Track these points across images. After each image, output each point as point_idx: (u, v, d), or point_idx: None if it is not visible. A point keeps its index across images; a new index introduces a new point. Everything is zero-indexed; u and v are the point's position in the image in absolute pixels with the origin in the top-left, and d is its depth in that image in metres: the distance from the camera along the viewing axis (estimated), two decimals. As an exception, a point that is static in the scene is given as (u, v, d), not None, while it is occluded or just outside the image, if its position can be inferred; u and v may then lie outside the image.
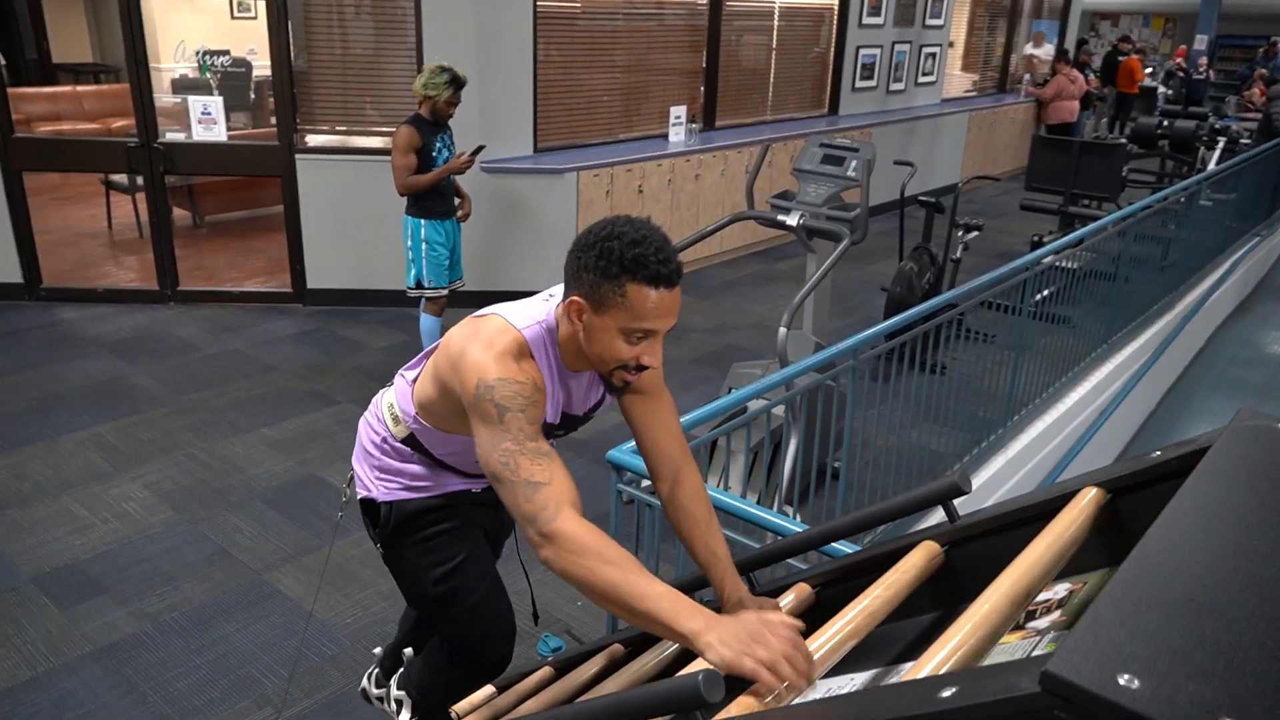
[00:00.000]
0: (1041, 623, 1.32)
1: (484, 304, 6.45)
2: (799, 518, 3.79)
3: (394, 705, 2.06)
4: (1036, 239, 6.62)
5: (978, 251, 7.31)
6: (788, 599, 1.67)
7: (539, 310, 1.59)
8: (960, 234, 5.86)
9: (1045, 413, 5.12)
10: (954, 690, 0.85)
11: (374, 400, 1.88)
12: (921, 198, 5.70)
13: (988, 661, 1.22)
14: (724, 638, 1.19)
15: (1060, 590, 1.38)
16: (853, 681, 1.41)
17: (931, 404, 4.19)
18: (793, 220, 3.81)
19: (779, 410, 3.70)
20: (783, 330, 3.38)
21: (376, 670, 2.33)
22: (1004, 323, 4.77)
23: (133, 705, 2.78)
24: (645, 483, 2.26)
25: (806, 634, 1.66)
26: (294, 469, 4.12)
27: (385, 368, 5.21)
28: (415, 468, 1.80)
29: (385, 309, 5.93)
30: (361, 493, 1.85)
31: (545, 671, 2.30)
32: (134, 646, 3.01)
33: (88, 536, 3.55)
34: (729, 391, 4.11)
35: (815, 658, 1.24)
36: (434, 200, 4.60)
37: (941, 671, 1.02)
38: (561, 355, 1.58)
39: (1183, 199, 6.46)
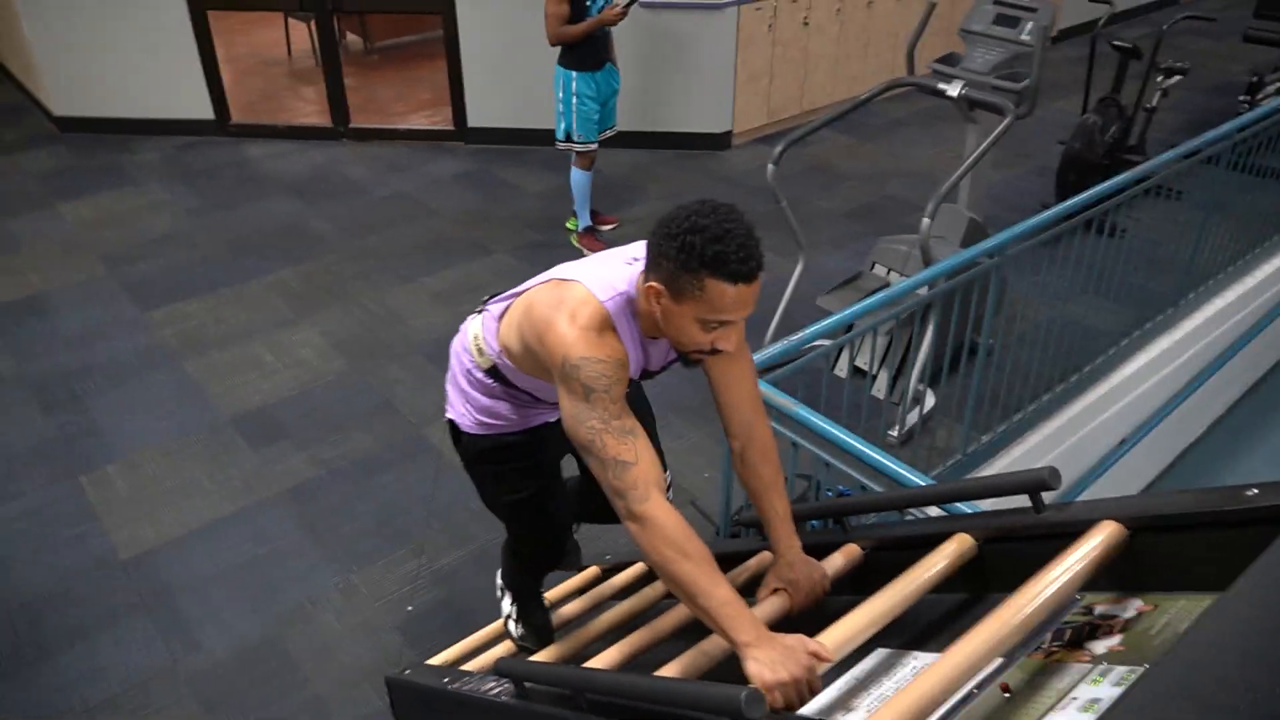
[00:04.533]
0: (1100, 645, 1.35)
1: (638, 146, 6.27)
2: (931, 397, 3.77)
3: (499, 593, 2.33)
4: (1255, 79, 5.85)
5: (1182, 85, 6.56)
6: (836, 559, 1.77)
7: (620, 277, 1.60)
8: (1160, 79, 5.27)
9: (1227, 288, 4.74)
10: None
11: (463, 326, 1.97)
12: (1116, 42, 5.12)
13: (1032, 687, 1.28)
14: (770, 659, 1.30)
15: (1130, 609, 1.40)
16: (865, 663, 1.51)
17: (1096, 272, 3.91)
18: (954, 90, 3.56)
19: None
20: (926, 221, 3.24)
21: None
22: (1197, 174, 4.24)
23: (312, 545, 3.21)
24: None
25: (845, 592, 1.75)
26: (449, 322, 4.33)
27: (542, 215, 5.36)
28: (499, 405, 1.90)
29: (543, 149, 5.97)
30: (450, 414, 2.02)
31: (638, 568, 2.53)
32: (313, 490, 3.43)
33: (273, 382, 3.98)
34: (872, 267, 4.03)
35: (836, 648, 1.36)
36: (586, 51, 4.54)
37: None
38: (641, 326, 1.62)
39: None
